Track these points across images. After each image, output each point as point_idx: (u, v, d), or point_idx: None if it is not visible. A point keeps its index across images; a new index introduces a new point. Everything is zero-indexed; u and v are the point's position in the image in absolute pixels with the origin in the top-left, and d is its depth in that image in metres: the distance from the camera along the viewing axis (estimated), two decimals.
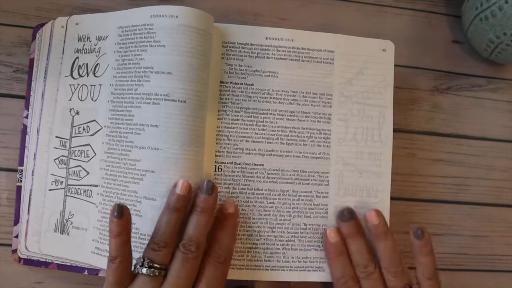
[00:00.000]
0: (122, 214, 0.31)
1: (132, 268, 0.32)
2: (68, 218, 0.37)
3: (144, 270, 0.31)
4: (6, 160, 0.40)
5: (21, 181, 0.39)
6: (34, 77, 0.40)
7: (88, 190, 0.37)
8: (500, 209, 0.46)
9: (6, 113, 0.41)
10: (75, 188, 0.37)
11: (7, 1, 0.42)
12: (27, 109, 0.40)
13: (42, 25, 0.40)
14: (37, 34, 0.40)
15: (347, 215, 0.37)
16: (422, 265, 0.35)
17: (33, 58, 0.40)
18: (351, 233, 0.37)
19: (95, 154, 0.37)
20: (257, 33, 0.38)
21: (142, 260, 0.32)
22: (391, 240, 0.36)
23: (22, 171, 0.39)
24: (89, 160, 0.37)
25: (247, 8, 0.45)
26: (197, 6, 0.37)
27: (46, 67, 0.39)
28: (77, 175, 0.37)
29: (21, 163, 0.39)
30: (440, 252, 0.45)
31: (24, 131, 0.40)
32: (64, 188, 0.38)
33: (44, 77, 0.39)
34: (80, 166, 0.37)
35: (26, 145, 0.39)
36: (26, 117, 0.40)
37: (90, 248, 0.36)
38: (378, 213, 0.37)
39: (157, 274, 0.31)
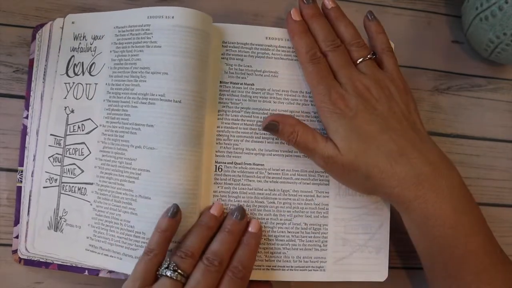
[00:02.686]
0: (175, 215, 0.34)
1: (158, 270, 0.33)
2: (62, 215, 0.38)
3: (168, 273, 0.32)
4: (6, 160, 0.40)
5: (21, 181, 0.39)
6: (34, 78, 0.40)
7: (82, 188, 0.37)
8: (500, 209, 0.46)
9: (6, 113, 0.41)
10: (69, 186, 0.38)
11: (7, 1, 0.42)
12: (27, 109, 0.40)
13: (41, 25, 0.40)
14: (36, 34, 0.40)
15: None
16: (379, 41, 0.39)
17: (33, 59, 0.40)
18: (314, 13, 0.38)
19: (90, 152, 0.37)
20: (257, 33, 0.38)
21: (168, 262, 0.33)
22: (349, 20, 0.39)
23: (22, 171, 0.39)
24: (83, 158, 0.37)
25: (247, 8, 0.45)
26: (197, 6, 0.37)
27: (45, 68, 0.39)
28: (71, 173, 0.38)
29: (21, 163, 0.39)
30: None
31: (24, 131, 0.39)
32: (58, 185, 0.38)
33: (43, 78, 0.39)
34: (74, 164, 0.38)
35: (26, 145, 0.39)
36: (26, 117, 0.40)
37: (84, 246, 0.37)
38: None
39: (178, 279, 0.32)
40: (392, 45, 0.40)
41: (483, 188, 0.46)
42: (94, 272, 0.38)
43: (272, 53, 0.39)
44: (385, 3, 0.47)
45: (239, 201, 0.37)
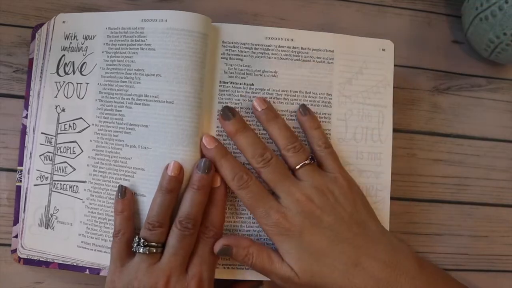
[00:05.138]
0: (124, 194, 0.35)
1: (132, 248, 0.34)
2: (53, 213, 0.38)
3: (141, 249, 0.33)
4: (6, 160, 0.40)
5: (20, 181, 0.39)
6: (33, 77, 0.40)
7: (74, 186, 0.37)
8: (500, 209, 0.46)
9: (6, 113, 0.41)
10: (60, 183, 0.38)
11: (7, 1, 0.42)
12: (27, 109, 0.40)
13: (41, 25, 0.40)
14: (36, 34, 0.40)
15: (230, 113, 0.36)
16: (315, 137, 0.37)
17: (33, 58, 0.40)
18: (238, 128, 0.36)
19: (82, 151, 0.37)
20: (257, 33, 0.38)
21: (138, 240, 0.34)
22: (282, 120, 0.37)
23: (21, 171, 0.39)
24: (75, 157, 0.38)
25: (247, 8, 0.45)
26: (197, 6, 0.37)
27: (42, 67, 0.40)
28: (63, 171, 0.38)
29: (20, 163, 0.39)
30: (440, 252, 0.45)
31: (23, 131, 0.40)
32: (49, 183, 0.38)
33: (40, 77, 0.40)
34: (66, 162, 0.38)
35: (25, 145, 0.39)
36: (26, 117, 0.40)
37: (76, 243, 0.37)
38: (264, 99, 0.37)
39: (154, 251, 0.33)
40: (392, 45, 0.40)
41: (483, 188, 0.46)
42: (95, 271, 0.38)
43: (271, 53, 0.39)
44: (385, 3, 0.47)
45: (239, 201, 0.37)
